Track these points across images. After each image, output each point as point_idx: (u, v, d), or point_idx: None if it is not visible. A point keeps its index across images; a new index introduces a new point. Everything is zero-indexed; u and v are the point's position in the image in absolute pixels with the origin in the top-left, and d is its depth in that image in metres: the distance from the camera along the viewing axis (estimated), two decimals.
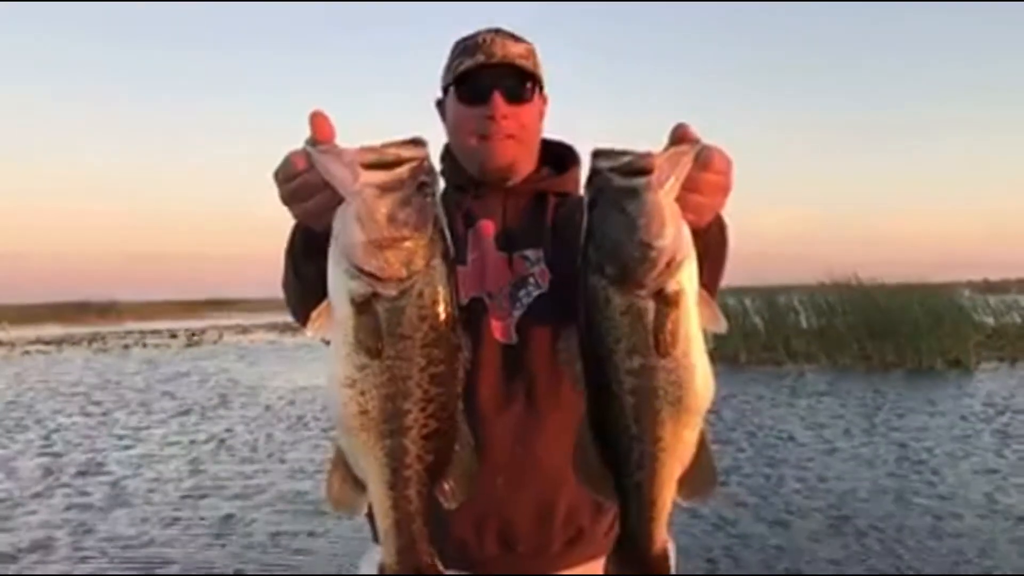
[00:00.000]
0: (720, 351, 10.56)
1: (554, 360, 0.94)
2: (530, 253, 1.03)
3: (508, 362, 1.00)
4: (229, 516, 4.45)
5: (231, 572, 3.61)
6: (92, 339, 21.15)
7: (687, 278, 0.71)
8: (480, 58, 1.02)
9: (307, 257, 0.82)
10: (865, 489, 4.71)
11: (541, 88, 1.07)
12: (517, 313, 1.01)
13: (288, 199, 0.74)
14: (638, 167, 0.69)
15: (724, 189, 0.74)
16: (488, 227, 1.05)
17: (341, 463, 0.75)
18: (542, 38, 1.07)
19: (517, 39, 1.05)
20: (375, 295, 0.69)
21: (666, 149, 0.70)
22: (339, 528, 4.04)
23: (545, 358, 0.98)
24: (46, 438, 7.05)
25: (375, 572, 0.80)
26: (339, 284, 0.70)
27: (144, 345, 18.99)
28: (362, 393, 0.71)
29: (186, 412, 8.34)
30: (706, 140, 0.71)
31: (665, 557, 0.80)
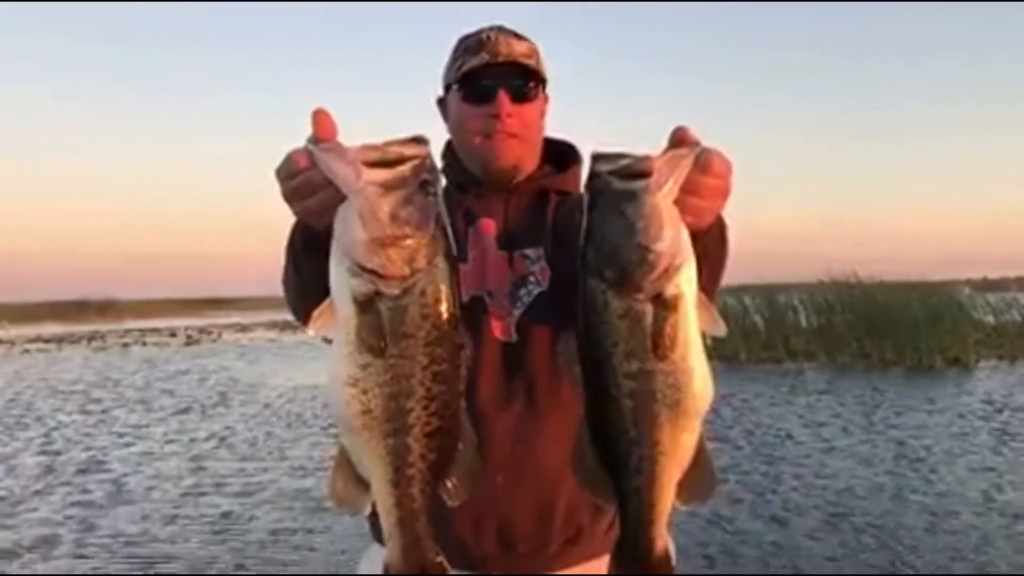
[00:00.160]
0: (720, 350, 10.57)
1: (554, 359, 0.94)
2: (531, 252, 1.03)
3: (508, 361, 1.00)
4: (230, 513, 4.46)
5: (232, 568, 3.62)
6: (91, 337, 21.13)
7: (686, 281, 0.71)
8: (485, 57, 1.01)
9: (307, 255, 0.82)
10: (862, 486, 4.72)
11: (545, 87, 1.07)
12: (517, 312, 1.01)
13: (290, 197, 0.74)
14: (637, 170, 0.69)
15: (723, 193, 0.74)
16: (489, 225, 1.05)
17: (344, 461, 0.75)
18: (542, 37, 1.07)
19: (520, 37, 1.05)
20: (378, 294, 0.69)
21: (665, 152, 0.70)
22: (340, 525, 4.04)
23: (545, 357, 0.98)
24: (46, 436, 7.05)
25: (375, 570, 0.80)
26: (341, 282, 0.70)
27: (144, 343, 18.97)
28: (365, 392, 0.71)
29: (186, 410, 8.34)
30: (706, 142, 0.71)
31: (666, 560, 0.80)
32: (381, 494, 0.74)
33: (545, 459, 0.98)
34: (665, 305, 0.70)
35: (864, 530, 3.91)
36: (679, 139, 0.71)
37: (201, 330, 23.78)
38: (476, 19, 1.07)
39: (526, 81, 1.03)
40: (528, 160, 1.07)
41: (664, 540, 0.79)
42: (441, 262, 0.71)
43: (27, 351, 17.41)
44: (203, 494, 4.92)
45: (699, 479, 0.76)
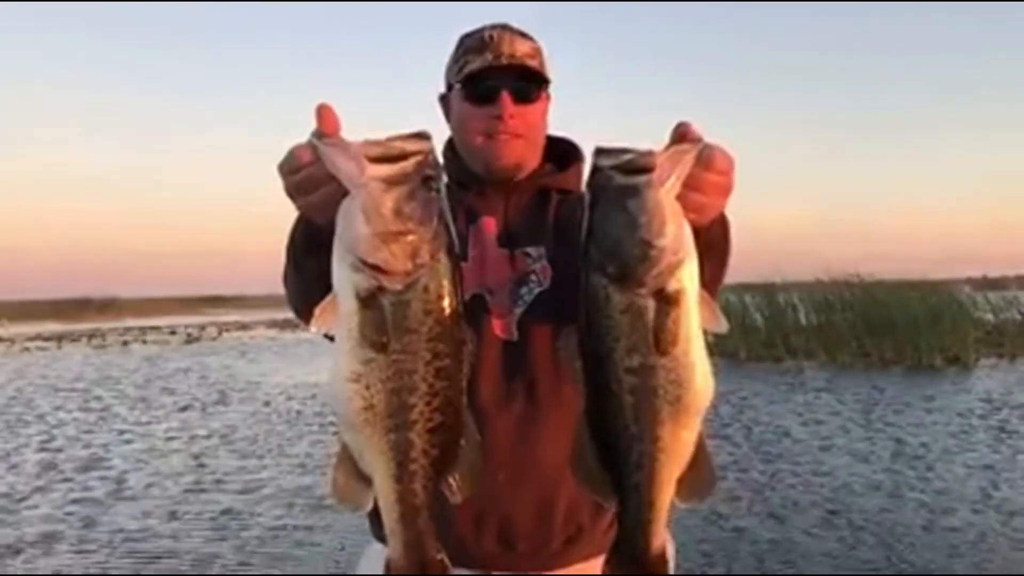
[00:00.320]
0: (720, 347, 10.57)
1: (555, 358, 0.93)
2: (532, 250, 1.03)
3: (509, 359, 1.00)
4: (231, 510, 4.47)
5: (234, 565, 3.63)
6: (92, 335, 21.13)
7: (688, 277, 0.70)
8: (488, 57, 1.01)
9: (308, 252, 0.81)
10: (860, 484, 4.73)
11: (547, 87, 1.06)
12: (518, 310, 1.01)
13: (293, 192, 0.74)
14: (639, 165, 0.69)
15: (726, 189, 0.74)
16: (490, 223, 1.05)
17: (346, 458, 0.75)
18: (543, 36, 1.07)
19: (524, 36, 1.04)
20: (380, 289, 0.69)
21: (668, 147, 0.70)
22: (341, 522, 4.05)
23: (546, 356, 0.98)
24: (47, 434, 7.05)
25: (376, 569, 0.80)
26: (344, 278, 0.70)
27: (144, 342, 18.98)
28: (367, 388, 0.71)
29: (186, 408, 8.34)
30: (708, 139, 0.71)
31: (663, 558, 0.79)
32: (383, 490, 0.74)
33: (546, 458, 0.98)
34: (667, 300, 0.70)
35: (862, 527, 3.92)
36: (681, 135, 0.70)
37: (201, 328, 23.79)
38: (478, 18, 1.07)
39: (529, 82, 1.03)
40: (530, 159, 1.07)
41: (662, 539, 0.79)
42: (444, 258, 0.71)
43: (27, 349, 17.42)
44: (204, 491, 4.93)
45: (699, 476, 0.76)
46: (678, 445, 0.74)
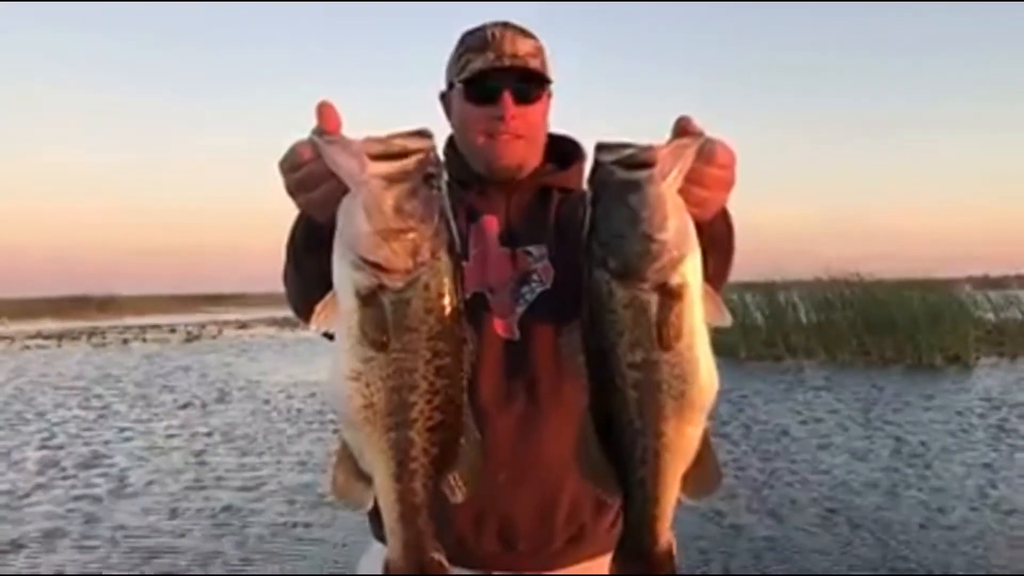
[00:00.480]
0: (720, 345, 10.52)
1: (557, 357, 0.94)
2: (533, 249, 1.03)
3: (510, 358, 0.99)
4: (231, 507, 4.48)
5: (235, 562, 3.64)
6: (91, 333, 21.13)
7: (690, 271, 0.70)
8: (490, 56, 1.00)
9: (308, 250, 0.81)
10: (859, 482, 4.74)
11: (549, 87, 1.06)
12: (520, 309, 1.01)
13: (294, 189, 0.74)
14: (641, 160, 0.69)
15: (727, 183, 0.73)
16: (491, 222, 1.05)
17: (346, 456, 0.75)
18: (544, 35, 1.07)
19: (525, 34, 1.04)
20: (381, 287, 0.69)
21: (669, 142, 0.70)
22: (341, 519, 4.06)
23: (548, 355, 0.98)
24: (48, 431, 7.06)
25: (376, 569, 0.80)
26: (344, 276, 0.70)
27: (144, 340, 18.98)
28: (367, 386, 0.70)
29: (186, 406, 8.35)
30: (709, 134, 0.70)
31: (670, 555, 0.79)
32: (383, 489, 0.74)
33: (547, 457, 0.98)
34: (670, 295, 0.69)
35: (860, 525, 3.93)
36: (683, 129, 0.70)
37: (201, 326, 23.79)
38: (478, 17, 1.07)
39: (530, 83, 1.02)
40: (531, 159, 1.07)
41: (668, 536, 0.78)
42: (444, 256, 0.71)
43: (27, 347, 17.42)
44: (204, 488, 4.93)
45: (704, 473, 0.76)
46: (683, 441, 0.73)
